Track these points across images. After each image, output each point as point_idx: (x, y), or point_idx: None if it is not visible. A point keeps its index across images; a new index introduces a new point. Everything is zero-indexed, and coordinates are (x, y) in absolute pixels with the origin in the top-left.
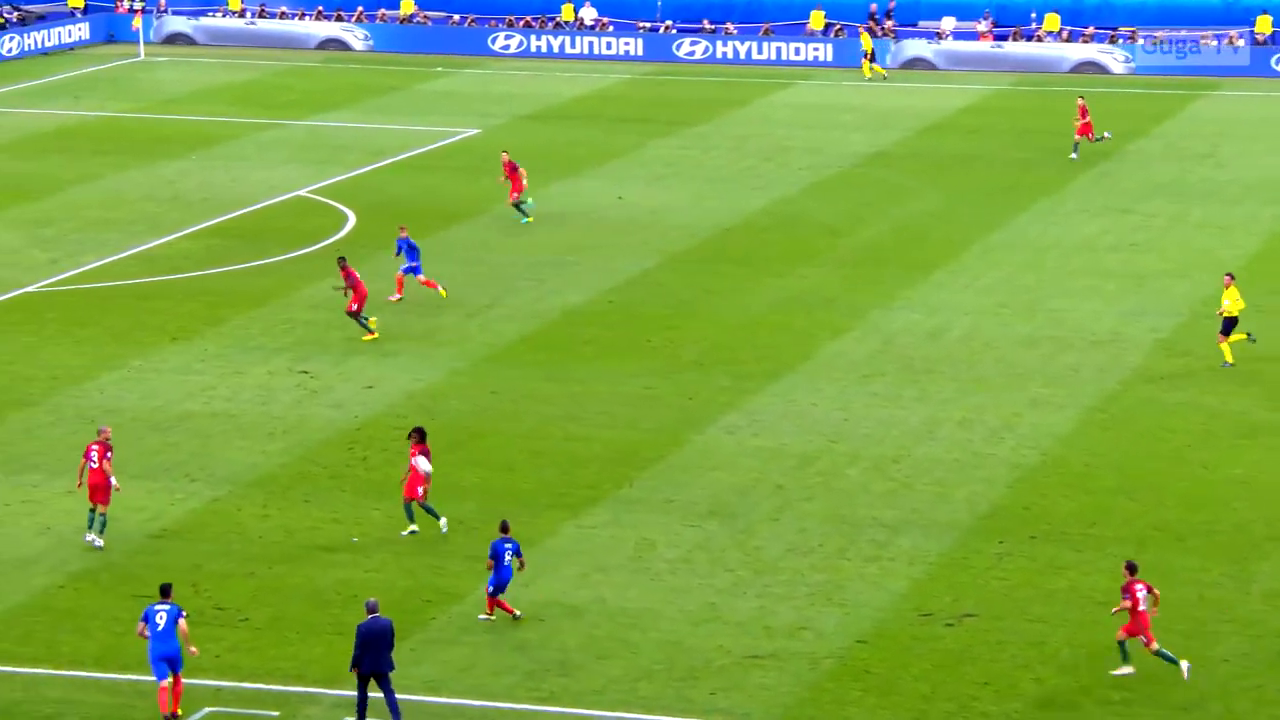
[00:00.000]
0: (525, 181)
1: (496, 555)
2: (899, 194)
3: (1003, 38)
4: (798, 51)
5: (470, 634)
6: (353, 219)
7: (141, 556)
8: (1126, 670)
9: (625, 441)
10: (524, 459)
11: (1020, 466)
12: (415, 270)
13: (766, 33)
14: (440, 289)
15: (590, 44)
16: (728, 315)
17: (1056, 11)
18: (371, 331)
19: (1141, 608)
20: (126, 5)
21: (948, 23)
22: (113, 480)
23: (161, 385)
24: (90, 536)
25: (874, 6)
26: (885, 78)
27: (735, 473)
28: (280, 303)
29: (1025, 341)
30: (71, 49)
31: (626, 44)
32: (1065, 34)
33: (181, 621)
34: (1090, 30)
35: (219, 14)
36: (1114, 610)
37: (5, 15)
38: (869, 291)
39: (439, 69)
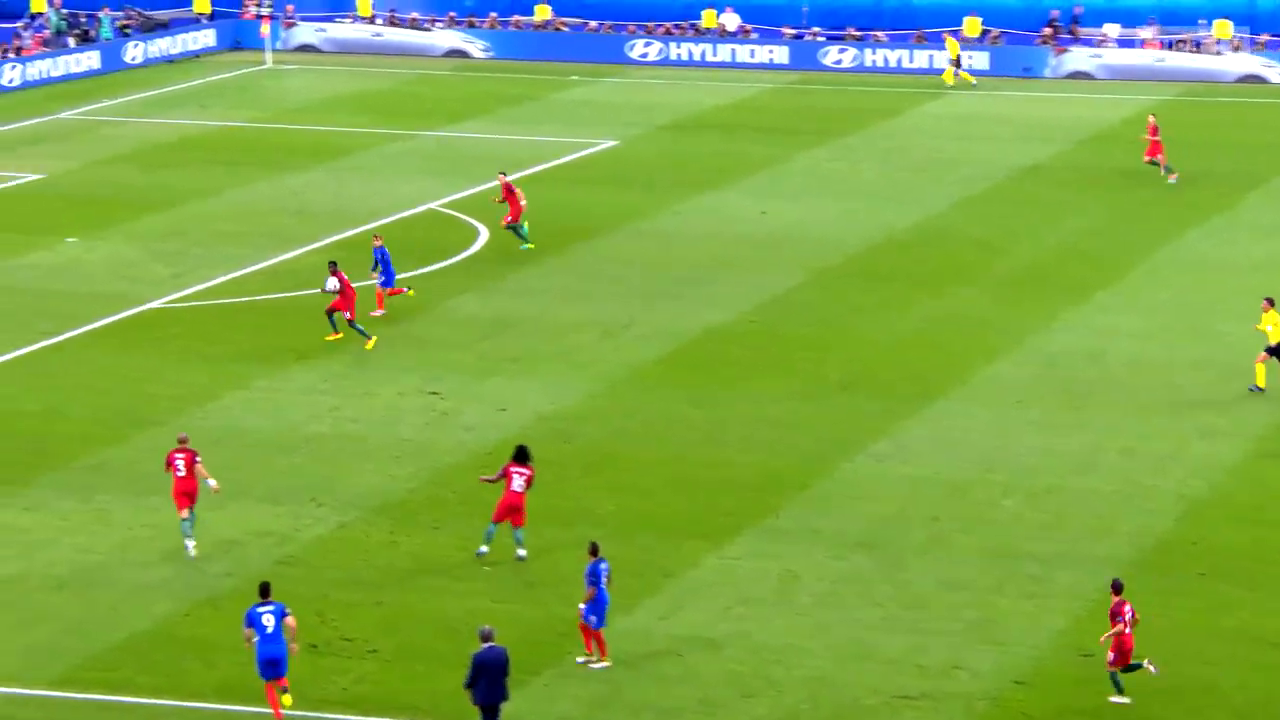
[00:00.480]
0: (524, 203)
1: (595, 579)
2: (1057, 209)
3: (1169, 45)
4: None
5: (608, 669)
6: (485, 234)
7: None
8: (1122, 700)
9: (769, 468)
10: (663, 485)
11: (1187, 499)
12: (387, 283)
13: (919, 40)
14: (408, 290)
15: (732, 51)
16: (876, 336)
17: (1228, 17)
18: (341, 329)
19: (1128, 630)
20: (253, 11)
21: (1111, 29)
22: (210, 482)
23: (287, 405)
24: (190, 544)
25: (1055, 13)
26: (974, 85)
27: (884, 502)
28: (411, 320)
29: (1192, 366)
30: (197, 56)
31: (770, 51)
32: (1236, 42)
33: (289, 620)
34: (1264, 38)
35: (348, 20)
36: (1102, 638)
37: (127, 20)
38: (1026, 312)
39: (574, 77)
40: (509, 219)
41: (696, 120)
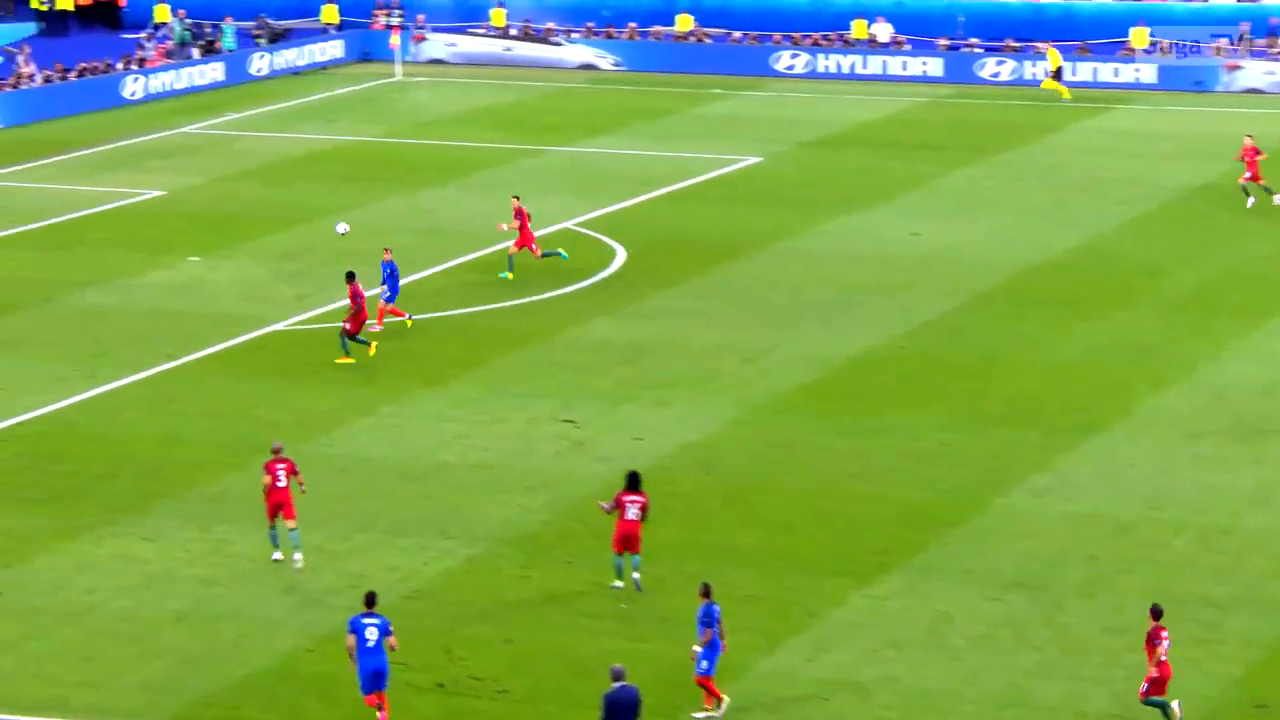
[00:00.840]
0: (532, 230)
1: (710, 622)
2: (1230, 232)
3: None
4: (1116, 73)
5: (748, 713)
6: (622, 254)
7: (393, 620)
8: None
9: (920, 502)
10: (807, 519)
11: None
12: (390, 298)
13: (1083, 51)
14: (407, 318)
15: (884, 64)
16: (1035, 363)
17: None
18: (355, 354)
19: (1164, 657)
20: (383, 22)
21: None
22: (301, 488)
23: (414, 433)
24: (283, 555)
25: (1275, 20)
26: (1071, 100)
27: (1043, 540)
28: (544, 345)
29: None
30: (324, 68)
31: (924, 64)
32: None
33: (391, 640)
34: None
35: (480, 30)
36: (1151, 674)
37: (258, 30)
38: (1195, 340)
39: (716, 90)
40: (518, 246)
41: (844, 136)
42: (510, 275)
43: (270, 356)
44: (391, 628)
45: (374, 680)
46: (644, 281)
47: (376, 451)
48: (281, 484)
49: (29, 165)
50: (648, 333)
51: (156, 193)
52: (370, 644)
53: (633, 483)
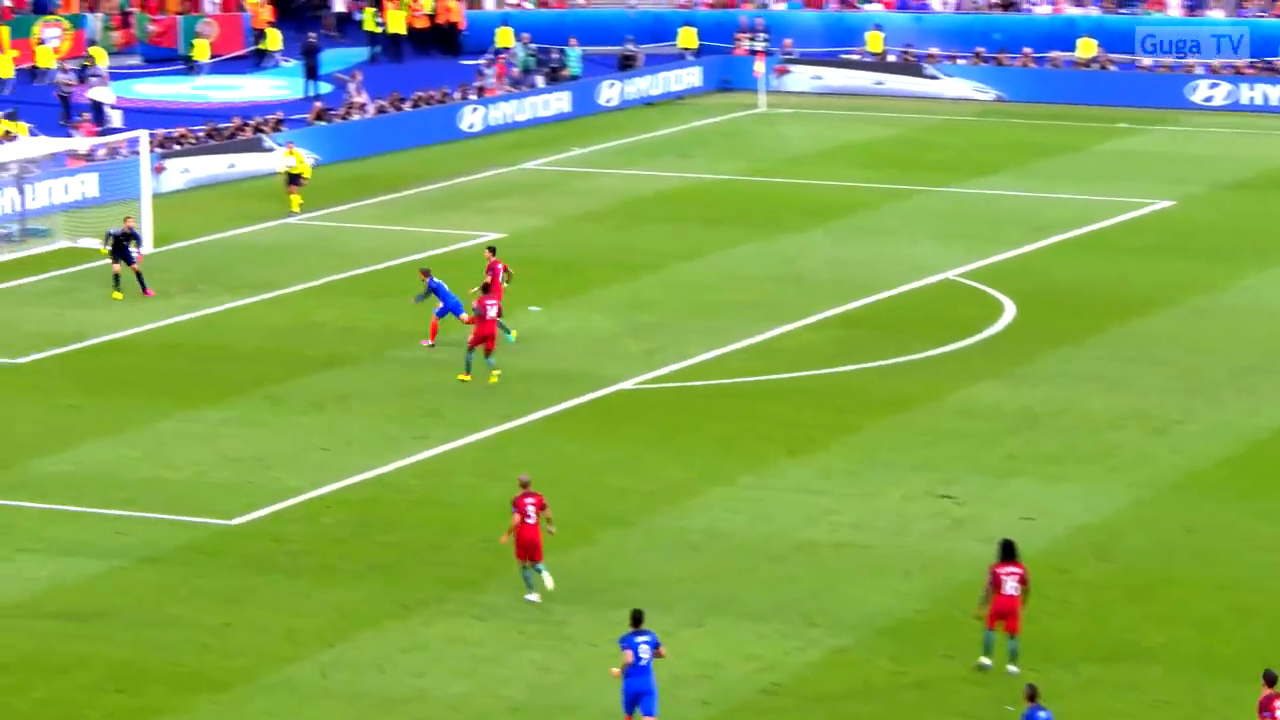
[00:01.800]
0: (505, 284)
1: None
2: None
3: None
4: None
5: None
6: (1011, 309)
7: (747, 714)
8: None
9: None
10: (1226, 616)
11: None
12: (454, 309)
13: None
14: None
15: None
16: None
17: None
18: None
19: None
20: (745, 46)
21: None
22: (550, 529)
23: (777, 507)
24: (538, 596)
25: None
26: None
27: None
28: (922, 409)
29: None
30: (680, 98)
31: None
32: None
33: (662, 650)
34: None
35: (855, 55)
36: None
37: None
38: None
39: (1122, 124)
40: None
41: (1269, 177)
42: (513, 334)
43: (617, 418)
44: (660, 645)
45: (641, 702)
46: (1036, 340)
47: (734, 526)
48: (530, 520)
49: (357, 204)
50: (1040, 398)
51: (494, 235)
52: (642, 661)
53: (1008, 552)
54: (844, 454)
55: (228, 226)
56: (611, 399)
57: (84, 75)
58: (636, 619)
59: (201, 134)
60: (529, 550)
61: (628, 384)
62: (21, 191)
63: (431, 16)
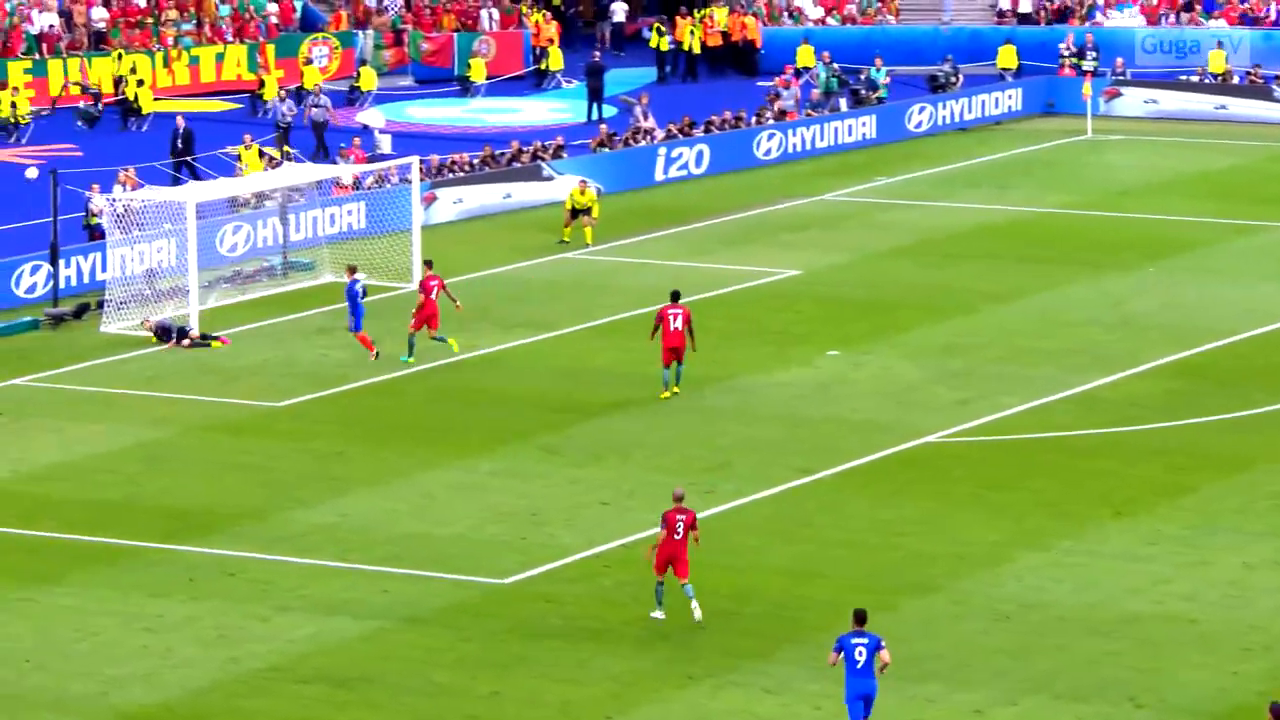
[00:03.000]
0: (435, 304)
1: None
2: None
3: None
4: None
5: None
6: None
7: None
8: None
9: None
10: None
11: None
12: (355, 326)
13: None
14: (373, 354)
15: None
16: None
17: None
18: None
19: None
20: (1069, 66)
21: None
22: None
23: (1100, 574)
24: (663, 614)
25: None
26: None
27: None
28: (1267, 469)
29: None
30: (997, 123)
31: None
32: None
33: (883, 653)
34: None
35: (1194, 76)
36: None
37: (944, 76)
38: None
39: None
40: (419, 326)
41: None
42: (412, 360)
43: (923, 474)
44: (883, 643)
45: (860, 705)
46: None
47: (1052, 596)
48: (679, 536)
49: (643, 237)
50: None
51: (790, 272)
52: (859, 664)
53: None
54: (1176, 517)
55: (502, 261)
56: (917, 452)
57: (352, 97)
58: (859, 618)
59: (476, 161)
60: (672, 566)
61: (935, 436)
62: (285, 222)
63: (725, 34)
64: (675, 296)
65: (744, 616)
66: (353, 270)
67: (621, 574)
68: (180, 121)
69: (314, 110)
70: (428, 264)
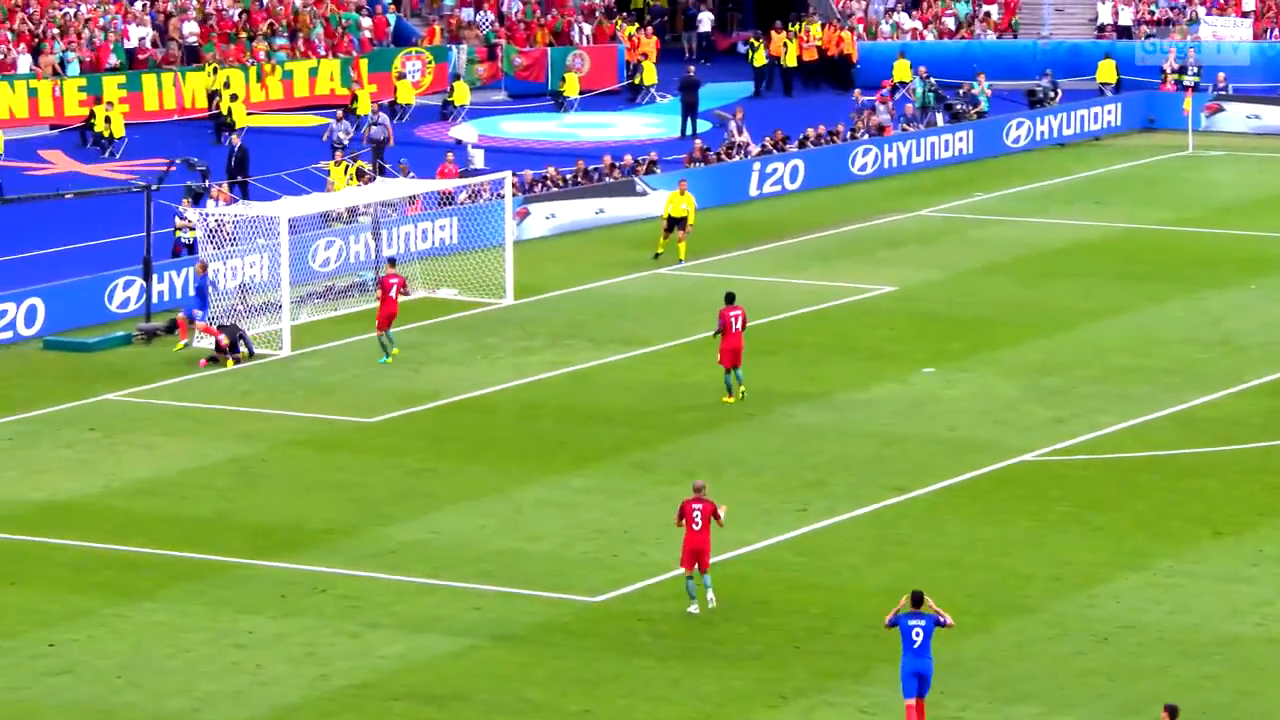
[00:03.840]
0: (395, 303)
1: None
2: None
3: None
4: None
5: None
6: None
7: None
8: None
9: None
10: None
11: None
12: (191, 311)
13: None
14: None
15: None
16: None
17: None
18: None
19: None
20: (1172, 81)
21: None
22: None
23: (1199, 596)
24: (699, 609)
25: None
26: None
27: None
28: None
29: None
30: (1096, 138)
31: None
32: None
33: (943, 627)
34: None
35: None
36: None
37: (1041, 91)
38: None
39: None
40: (382, 324)
41: None
42: (389, 360)
43: (1020, 493)
44: (940, 622)
45: (917, 683)
46: None
47: (1150, 618)
48: (697, 527)
49: (737, 253)
50: None
51: (885, 288)
52: (916, 644)
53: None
54: (1278, 537)
55: (595, 277)
56: (1014, 471)
57: (445, 112)
58: (917, 599)
59: (569, 176)
60: (696, 558)
61: (1032, 455)
62: (377, 237)
63: (821, 48)
64: (730, 298)
65: (837, 636)
66: (204, 267)
67: (713, 592)
68: (235, 140)
69: (374, 129)
70: (390, 262)
